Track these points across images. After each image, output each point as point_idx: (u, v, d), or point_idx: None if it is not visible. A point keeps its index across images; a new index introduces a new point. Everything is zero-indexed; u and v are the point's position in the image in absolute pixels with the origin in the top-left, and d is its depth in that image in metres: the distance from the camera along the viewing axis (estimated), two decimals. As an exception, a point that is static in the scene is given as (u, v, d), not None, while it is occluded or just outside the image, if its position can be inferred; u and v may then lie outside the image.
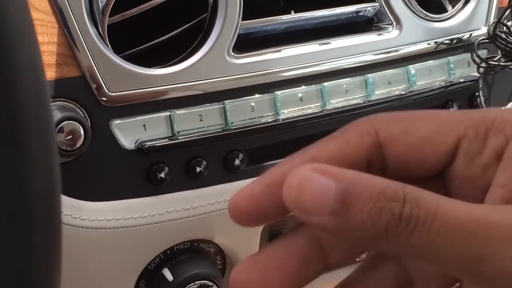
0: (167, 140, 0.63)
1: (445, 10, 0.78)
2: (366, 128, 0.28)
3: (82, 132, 0.58)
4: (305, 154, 0.29)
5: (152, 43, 0.62)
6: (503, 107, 0.81)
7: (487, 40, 0.77)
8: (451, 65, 0.77)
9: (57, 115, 0.57)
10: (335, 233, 0.26)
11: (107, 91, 0.60)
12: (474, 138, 0.28)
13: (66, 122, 0.57)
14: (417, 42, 0.75)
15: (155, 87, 0.62)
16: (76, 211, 0.60)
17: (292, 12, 0.70)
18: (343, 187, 0.25)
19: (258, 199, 0.28)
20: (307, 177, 0.26)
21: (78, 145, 0.58)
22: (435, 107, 0.77)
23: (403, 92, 0.74)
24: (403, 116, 0.29)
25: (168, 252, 0.67)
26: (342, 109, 0.71)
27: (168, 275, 0.66)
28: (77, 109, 0.59)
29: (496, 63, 0.77)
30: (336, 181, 0.25)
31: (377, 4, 0.73)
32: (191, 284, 0.66)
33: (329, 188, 0.25)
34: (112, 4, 0.59)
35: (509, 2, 0.81)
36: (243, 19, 0.65)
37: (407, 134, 0.28)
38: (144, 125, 0.62)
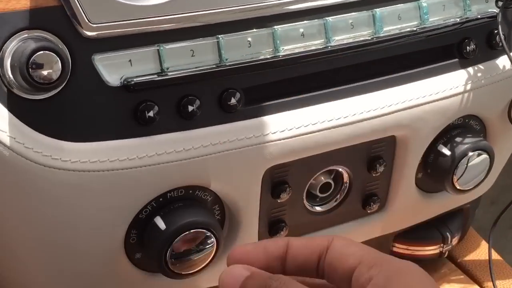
0: (155, 76, 0.58)
1: None
2: (327, 238, 0.46)
3: (59, 64, 0.53)
4: (286, 239, 0.46)
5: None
6: None
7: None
8: (467, 1, 0.71)
9: (30, 45, 0.52)
10: None
11: (88, 22, 0.55)
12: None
13: (41, 52, 0.52)
14: (430, -26, 0.69)
15: (142, 18, 0.57)
16: (56, 152, 0.56)
17: None
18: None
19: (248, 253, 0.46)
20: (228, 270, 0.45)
21: (54, 77, 0.53)
22: (450, 45, 0.72)
23: (414, 29, 0.68)
24: None
25: (161, 199, 0.62)
26: (347, 46, 0.65)
27: (161, 224, 0.62)
28: (55, 41, 0.54)
29: (517, -4, 0.70)
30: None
31: None
32: (186, 233, 0.61)
33: (240, 274, 0.44)
34: None
35: None
36: None
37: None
38: (130, 60, 0.57)
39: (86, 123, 0.57)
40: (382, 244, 0.83)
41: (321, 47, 0.64)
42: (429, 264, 0.87)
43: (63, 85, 0.55)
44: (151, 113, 0.58)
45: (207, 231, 0.63)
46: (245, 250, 0.46)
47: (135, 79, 0.57)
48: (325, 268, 0.44)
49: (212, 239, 0.63)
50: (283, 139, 0.64)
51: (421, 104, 0.70)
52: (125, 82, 0.57)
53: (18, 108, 0.54)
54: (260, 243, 0.47)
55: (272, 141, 0.64)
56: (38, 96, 0.55)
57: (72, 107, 0.56)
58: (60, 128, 0.56)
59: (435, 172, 0.75)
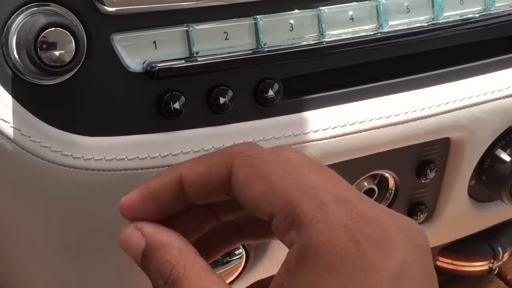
0: (183, 61, 0.50)
1: None
2: (226, 162, 0.37)
3: (73, 44, 0.45)
4: (176, 172, 0.39)
5: None
6: None
7: None
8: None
9: (40, 20, 0.44)
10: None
11: (107, -4, 0.47)
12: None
13: (52, 29, 0.44)
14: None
15: (169, -6, 0.49)
16: (67, 147, 0.48)
17: None
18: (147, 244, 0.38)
19: (137, 208, 0.40)
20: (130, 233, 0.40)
21: (67, 59, 0.45)
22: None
23: (477, 15, 0.60)
24: (256, 163, 0.36)
25: (185, 204, 0.54)
26: (402, 33, 0.57)
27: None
28: (69, 16, 0.46)
29: None
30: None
31: None
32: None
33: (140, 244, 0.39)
34: None
35: None
36: None
37: (247, 184, 0.36)
38: (154, 42, 0.49)
39: (102, 114, 0.49)
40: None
41: (372, 33, 0.56)
42: (476, 281, 0.79)
43: (77, 69, 0.47)
44: (177, 105, 0.50)
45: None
46: (133, 204, 0.40)
47: (159, 65, 0.49)
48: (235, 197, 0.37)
49: (241, 249, 0.55)
50: (326, 138, 0.56)
51: (481, 103, 0.61)
52: (148, 68, 0.49)
53: (24, 95, 0.47)
54: (147, 188, 0.40)
55: (313, 140, 0.55)
56: (47, 81, 0.47)
57: (87, 95, 0.48)
58: (72, 120, 0.48)
59: (491, 179, 0.67)
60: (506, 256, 0.77)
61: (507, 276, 0.81)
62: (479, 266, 0.76)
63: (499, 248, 0.76)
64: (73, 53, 0.45)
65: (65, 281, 0.55)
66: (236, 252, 0.57)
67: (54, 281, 0.56)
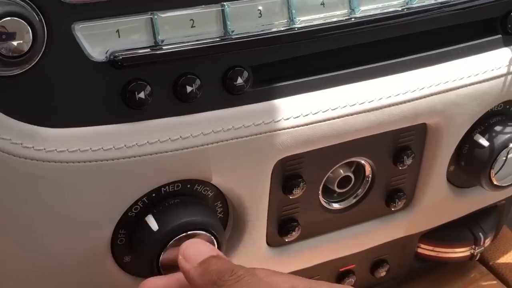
0: (148, 50, 0.49)
1: None
2: None
3: (30, 34, 0.44)
4: None
5: None
6: None
7: None
8: (513, -32, 0.61)
9: (-5, 9, 0.43)
10: (191, 281, 0.42)
11: (66, -17, 0.46)
12: None
13: (8, 18, 0.43)
14: None
15: (132, -19, 0.48)
16: (28, 139, 0.47)
17: None
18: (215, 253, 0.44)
19: None
20: (197, 241, 0.46)
21: (25, 49, 0.44)
22: (492, 19, 0.62)
23: (452, -1, 0.59)
24: None
25: (154, 195, 0.53)
26: (375, 18, 0.56)
27: (153, 224, 0.53)
28: (26, 5, 0.45)
29: None
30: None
31: None
32: (182, 235, 0.52)
33: (210, 250, 0.44)
34: None
35: None
36: None
37: None
38: (117, 31, 0.48)
39: (64, 105, 0.48)
40: (405, 245, 0.74)
41: (344, 18, 0.55)
42: (457, 268, 0.78)
43: (37, 59, 0.46)
44: (142, 94, 0.49)
45: (207, 233, 0.54)
46: None
47: (123, 54, 0.48)
48: None
49: (213, 241, 0.54)
50: (298, 126, 0.55)
51: (457, 88, 0.60)
52: (112, 57, 0.48)
53: (-18, 86, 0.46)
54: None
55: (284, 128, 0.54)
56: (6, 72, 0.45)
57: (48, 85, 0.47)
58: (33, 111, 0.47)
59: (470, 165, 0.66)
60: (487, 241, 0.76)
61: (489, 262, 0.81)
62: (460, 252, 0.75)
63: (480, 233, 0.75)
64: (31, 43, 0.44)
65: (27, 275, 0.54)
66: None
67: (17, 276, 0.55)
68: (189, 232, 0.53)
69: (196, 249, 0.43)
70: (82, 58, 0.47)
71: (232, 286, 0.39)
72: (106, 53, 0.48)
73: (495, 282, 0.79)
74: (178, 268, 0.49)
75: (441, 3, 0.58)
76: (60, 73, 0.47)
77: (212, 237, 0.54)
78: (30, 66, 0.46)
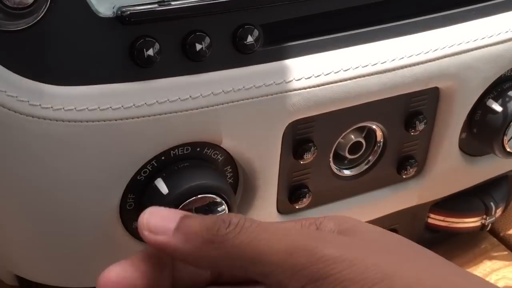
0: (156, 5, 0.48)
1: None
2: None
3: (36, -15, 0.43)
4: None
5: None
6: None
7: None
8: None
9: (-1, -41, 0.42)
10: (175, 251, 0.33)
11: None
12: None
13: (13, -31, 0.42)
14: None
15: None
16: (35, 97, 0.46)
17: None
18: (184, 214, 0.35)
19: None
20: (155, 208, 0.35)
21: (29, 1, 0.43)
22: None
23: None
24: None
25: (163, 158, 0.52)
26: (387, -24, 0.54)
27: (163, 187, 0.52)
28: (32, -44, 0.44)
29: None
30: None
31: None
32: (192, 198, 0.51)
33: (175, 213, 0.35)
34: None
35: None
36: None
37: None
38: (125, -15, 0.47)
39: (71, 62, 0.46)
40: (416, 214, 0.73)
41: (357, -24, 0.54)
42: (468, 238, 0.77)
43: (42, 13, 0.44)
44: (150, 52, 0.48)
45: (217, 197, 0.52)
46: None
47: (131, 9, 0.47)
48: None
49: (224, 206, 0.53)
50: (309, 87, 0.54)
51: (471, 50, 0.59)
52: (119, 13, 0.47)
53: (-13, 42, 0.44)
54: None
55: (295, 89, 0.53)
56: (11, 26, 0.44)
57: (54, 42, 0.46)
58: (40, 67, 0.46)
59: (483, 131, 0.65)
60: (499, 212, 0.75)
61: (500, 233, 0.79)
62: (471, 222, 0.74)
63: (492, 203, 0.73)
64: (36, -5, 0.43)
65: (33, 239, 0.53)
66: (219, 209, 0.55)
67: (27, 240, 0.54)
68: (199, 196, 0.52)
69: (161, 216, 0.34)
70: (89, 13, 0.46)
71: (238, 238, 0.32)
72: (113, 8, 0.47)
73: (506, 253, 0.78)
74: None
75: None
76: (67, 28, 0.46)
77: (223, 201, 0.53)
78: (35, 21, 0.44)
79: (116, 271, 0.33)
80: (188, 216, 0.34)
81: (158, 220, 0.34)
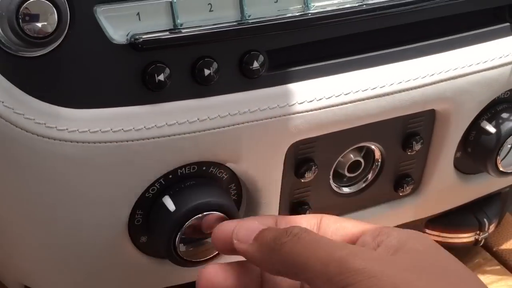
0: (167, 33, 0.50)
1: None
2: None
3: (55, 15, 0.45)
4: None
5: None
6: None
7: None
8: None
9: (21, -10, 0.44)
10: (252, 258, 0.43)
11: (89, -34, 0.47)
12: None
13: (34, 0, 0.44)
14: None
15: (153, -35, 0.49)
16: (51, 120, 0.48)
17: None
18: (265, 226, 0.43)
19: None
20: (243, 220, 0.46)
21: (50, 30, 0.45)
22: (501, 8, 0.63)
23: (462, -13, 0.60)
24: None
25: (170, 176, 0.54)
26: (387, 4, 0.57)
27: (170, 204, 0.54)
28: (51, -13, 0.46)
29: None
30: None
31: None
32: (198, 216, 0.53)
33: (258, 225, 0.43)
34: None
35: None
36: None
37: None
38: (138, 14, 0.49)
39: (86, 86, 0.49)
40: (412, 229, 0.75)
41: (357, 4, 0.56)
42: (462, 253, 0.79)
43: (60, 41, 0.47)
44: (161, 77, 0.50)
45: (221, 213, 0.55)
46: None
47: (143, 36, 0.49)
48: None
49: (228, 222, 0.55)
50: (311, 110, 0.56)
51: (467, 74, 0.62)
52: (132, 40, 0.49)
53: (6, 67, 0.46)
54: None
55: (298, 112, 0.56)
56: (30, 53, 0.46)
57: (71, 67, 0.48)
58: (56, 92, 0.48)
59: (477, 151, 0.67)
60: (492, 227, 0.78)
61: (493, 248, 0.82)
62: (465, 237, 0.77)
63: (485, 219, 0.76)
64: (56, 24, 0.45)
65: (46, 253, 0.56)
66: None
67: (39, 253, 0.56)
68: (204, 213, 0.54)
69: (246, 228, 0.44)
70: (104, 40, 0.48)
71: (293, 247, 0.39)
72: (127, 35, 0.49)
73: (498, 267, 0.80)
74: (197, 247, 0.52)
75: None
76: (82, 54, 0.48)
77: (227, 218, 0.55)
78: (53, 47, 0.47)
79: (215, 269, 0.44)
80: (267, 228, 0.43)
81: (244, 231, 0.43)
